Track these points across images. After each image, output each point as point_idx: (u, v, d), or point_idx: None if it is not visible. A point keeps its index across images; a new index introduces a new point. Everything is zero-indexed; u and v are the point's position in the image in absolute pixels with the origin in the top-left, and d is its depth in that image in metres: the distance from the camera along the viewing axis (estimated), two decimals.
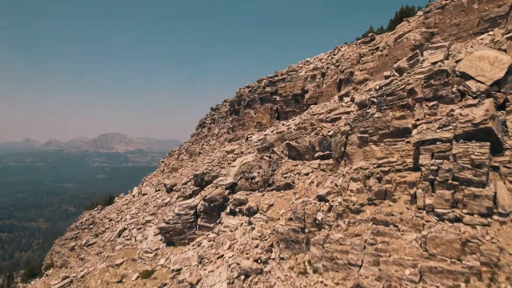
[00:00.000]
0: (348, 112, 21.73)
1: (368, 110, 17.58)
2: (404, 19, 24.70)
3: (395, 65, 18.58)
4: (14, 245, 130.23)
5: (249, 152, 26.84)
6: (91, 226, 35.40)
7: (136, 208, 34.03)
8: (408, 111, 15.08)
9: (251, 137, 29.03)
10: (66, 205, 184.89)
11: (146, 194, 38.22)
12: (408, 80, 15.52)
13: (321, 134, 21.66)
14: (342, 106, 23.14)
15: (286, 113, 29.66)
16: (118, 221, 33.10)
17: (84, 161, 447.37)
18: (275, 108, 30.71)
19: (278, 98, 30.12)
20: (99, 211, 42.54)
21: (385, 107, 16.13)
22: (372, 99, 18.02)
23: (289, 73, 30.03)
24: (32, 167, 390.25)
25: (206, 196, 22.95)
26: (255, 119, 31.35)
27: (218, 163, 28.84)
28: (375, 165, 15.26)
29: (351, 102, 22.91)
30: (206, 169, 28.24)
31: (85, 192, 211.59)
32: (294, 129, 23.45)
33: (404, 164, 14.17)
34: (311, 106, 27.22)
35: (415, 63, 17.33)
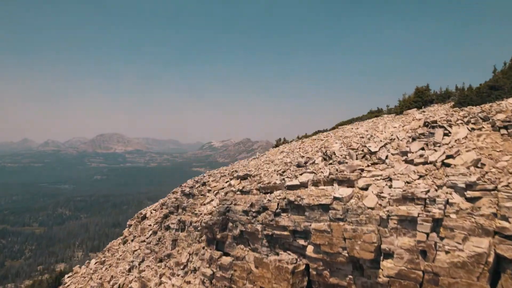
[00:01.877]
0: None
1: None
2: None
3: None
4: (6, 252, 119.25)
5: None
6: None
7: None
8: None
9: None
10: (62, 208, 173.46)
11: None
12: None
13: None
14: None
15: (330, 287, 12.50)
16: None
17: (82, 161, 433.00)
18: (302, 268, 13.41)
19: (311, 250, 12.78)
20: None
21: None
22: None
23: (340, 194, 12.37)
24: (28, 168, 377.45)
25: None
26: (255, 278, 14.21)
27: None
28: None
29: None
30: None
31: (81, 195, 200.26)
32: None
33: None
34: None
35: None
